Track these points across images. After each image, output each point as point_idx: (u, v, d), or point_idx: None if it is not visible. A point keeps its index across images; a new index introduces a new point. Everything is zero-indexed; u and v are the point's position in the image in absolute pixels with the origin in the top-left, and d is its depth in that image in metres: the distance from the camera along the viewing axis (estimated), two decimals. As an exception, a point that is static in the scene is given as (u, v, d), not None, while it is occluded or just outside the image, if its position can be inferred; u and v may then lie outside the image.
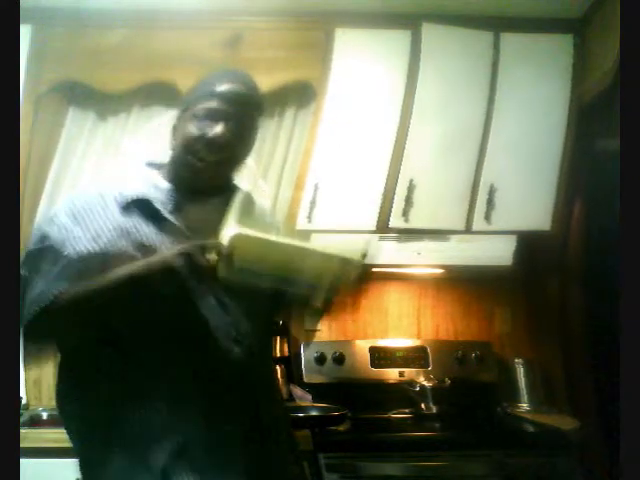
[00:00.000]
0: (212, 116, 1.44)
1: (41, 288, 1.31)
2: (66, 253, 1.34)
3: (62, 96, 2.78)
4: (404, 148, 2.67)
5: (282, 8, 2.67)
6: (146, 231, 1.40)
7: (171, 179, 1.50)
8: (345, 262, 1.35)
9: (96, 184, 1.47)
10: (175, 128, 1.53)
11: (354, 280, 1.35)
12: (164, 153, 1.54)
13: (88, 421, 1.40)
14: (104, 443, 1.37)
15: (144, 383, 1.36)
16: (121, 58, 2.66)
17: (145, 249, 1.37)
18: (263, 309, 1.51)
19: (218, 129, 1.44)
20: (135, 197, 1.43)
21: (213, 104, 1.45)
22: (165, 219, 1.42)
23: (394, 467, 2.24)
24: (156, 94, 2.76)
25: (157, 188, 1.48)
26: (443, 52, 2.72)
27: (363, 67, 2.71)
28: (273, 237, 1.35)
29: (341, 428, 2.42)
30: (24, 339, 1.32)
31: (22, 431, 2.21)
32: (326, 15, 2.70)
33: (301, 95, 2.82)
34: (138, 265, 1.32)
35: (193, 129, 1.45)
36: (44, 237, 1.38)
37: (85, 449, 1.43)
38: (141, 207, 1.42)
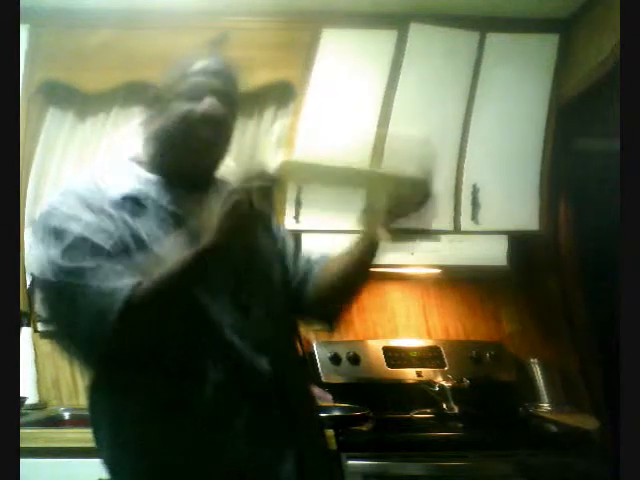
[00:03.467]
0: (200, 91, 1.34)
1: (109, 286, 1.16)
2: (106, 248, 1.21)
3: (44, 96, 2.74)
4: (384, 149, 2.60)
5: (271, 8, 2.64)
6: (144, 225, 1.28)
7: (158, 172, 1.38)
8: (407, 182, 1.28)
9: (79, 179, 1.33)
10: (153, 118, 1.40)
11: (420, 200, 1.27)
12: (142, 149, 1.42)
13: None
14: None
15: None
16: (104, 58, 2.64)
17: (144, 243, 1.25)
18: (284, 309, 1.45)
19: (209, 101, 1.33)
20: (128, 192, 1.31)
21: (198, 79, 1.35)
22: (165, 210, 1.32)
23: (419, 467, 2.20)
24: (136, 94, 2.71)
25: (147, 181, 1.36)
26: (427, 52, 2.72)
27: (345, 67, 2.69)
28: (325, 162, 1.25)
29: (364, 428, 2.39)
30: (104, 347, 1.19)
31: (44, 431, 2.18)
32: (315, 15, 2.68)
33: (281, 95, 2.78)
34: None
35: (182, 107, 1.33)
36: (72, 235, 1.21)
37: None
38: (135, 201, 1.31)
